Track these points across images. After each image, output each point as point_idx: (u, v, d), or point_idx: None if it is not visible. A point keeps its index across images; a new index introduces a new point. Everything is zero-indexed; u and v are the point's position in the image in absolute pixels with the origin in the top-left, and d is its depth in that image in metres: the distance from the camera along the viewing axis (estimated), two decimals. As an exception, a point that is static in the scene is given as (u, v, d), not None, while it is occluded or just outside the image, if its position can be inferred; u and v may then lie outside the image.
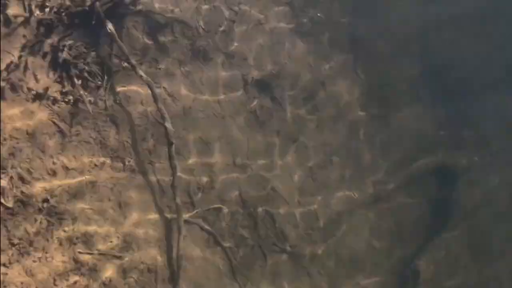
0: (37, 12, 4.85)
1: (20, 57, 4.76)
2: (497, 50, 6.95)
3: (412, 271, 6.26)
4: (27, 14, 4.82)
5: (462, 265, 6.50)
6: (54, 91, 4.89)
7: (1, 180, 4.48)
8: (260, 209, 5.69)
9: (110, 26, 5.06)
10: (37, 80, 4.82)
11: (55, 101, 4.87)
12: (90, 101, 5.02)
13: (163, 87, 5.45)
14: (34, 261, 4.56)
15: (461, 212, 6.54)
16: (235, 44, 5.86)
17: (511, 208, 6.74)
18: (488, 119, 6.75)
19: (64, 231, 4.74)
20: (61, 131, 4.87)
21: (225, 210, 5.55)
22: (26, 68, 4.79)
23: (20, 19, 4.81)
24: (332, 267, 5.93)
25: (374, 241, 6.18)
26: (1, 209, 4.46)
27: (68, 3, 4.99)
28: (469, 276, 6.47)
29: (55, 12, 4.93)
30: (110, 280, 4.87)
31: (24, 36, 4.81)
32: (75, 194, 4.85)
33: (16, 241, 4.51)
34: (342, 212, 6.07)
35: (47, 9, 4.88)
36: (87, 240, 4.84)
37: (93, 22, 5.04)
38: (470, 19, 6.85)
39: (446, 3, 6.79)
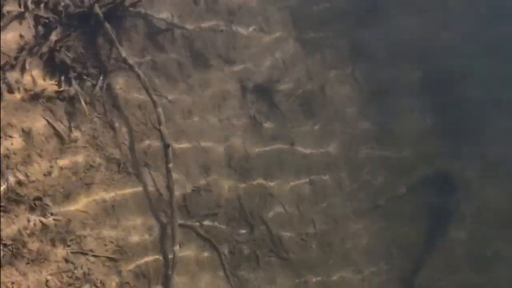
0: (32, 8, 4.82)
1: (16, 57, 4.74)
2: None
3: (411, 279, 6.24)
4: (21, 9, 4.79)
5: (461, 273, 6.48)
6: (51, 91, 4.88)
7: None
8: (256, 215, 5.66)
9: (108, 28, 5.06)
10: (34, 81, 4.80)
11: (51, 101, 4.86)
12: (86, 101, 5.00)
13: (161, 91, 5.44)
14: (27, 263, 4.51)
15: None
16: (235, 49, 5.86)
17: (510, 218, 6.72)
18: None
19: (59, 232, 4.70)
20: (57, 133, 4.85)
21: (222, 215, 5.52)
22: (22, 68, 4.77)
23: (14, 15, 4.79)
24: (329, 274, 5.90)
25: (373, 248, 6.16)
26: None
27: (66, 1, 4.98)
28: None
29: (52, 11, 4.91)
30: (102, 283, 4.82)
31: (21, 36, 4.81)
32: (69, 195, 4.81)
33: (8, 242, 4.47)
34: (340, 219, 6.04)
35: (42, 5, 4.86)
36: (80, 241, 4.80)
37: (92, 24, 5.04)
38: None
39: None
